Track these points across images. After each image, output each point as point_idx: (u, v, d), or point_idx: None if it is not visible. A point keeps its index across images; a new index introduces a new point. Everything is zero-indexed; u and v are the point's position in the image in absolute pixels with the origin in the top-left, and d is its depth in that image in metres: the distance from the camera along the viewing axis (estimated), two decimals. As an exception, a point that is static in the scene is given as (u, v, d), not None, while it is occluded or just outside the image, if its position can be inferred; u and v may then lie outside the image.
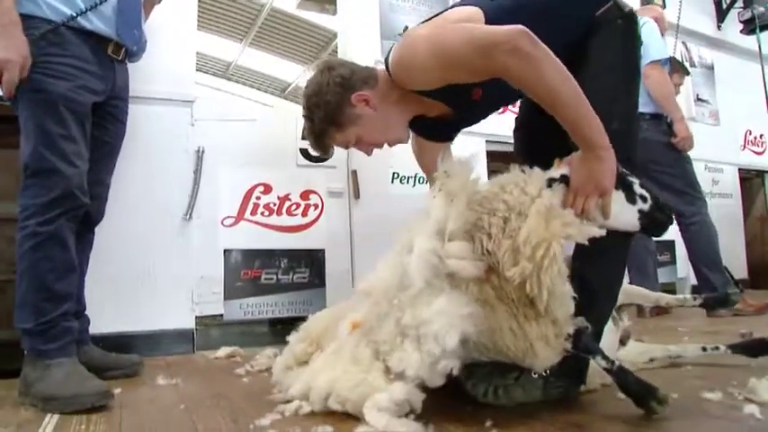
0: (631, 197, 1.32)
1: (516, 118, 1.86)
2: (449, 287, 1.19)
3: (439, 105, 1.58)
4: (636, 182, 1.34)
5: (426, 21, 1.55)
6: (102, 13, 1.78)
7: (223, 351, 2.38)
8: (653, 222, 1.34)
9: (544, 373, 1.28)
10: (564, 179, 1.28)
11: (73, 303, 1.76)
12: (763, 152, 5.20)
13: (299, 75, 9.63)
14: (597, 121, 1.25)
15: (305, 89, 1.55)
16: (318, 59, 9.00)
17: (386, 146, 1.64)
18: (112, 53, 1.86)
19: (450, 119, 1.65)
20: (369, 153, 1.65)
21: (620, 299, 1.68)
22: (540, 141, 1.48)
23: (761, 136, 5.14)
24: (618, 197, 1.30)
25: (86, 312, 2.01)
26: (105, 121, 1.92)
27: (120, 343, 2.25)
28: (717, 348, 1.77)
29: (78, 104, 1.72)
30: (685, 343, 1.96)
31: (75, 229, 1.74)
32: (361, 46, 3.09)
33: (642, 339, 2.01)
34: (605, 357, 1.26)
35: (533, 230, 1.17)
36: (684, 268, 4.11)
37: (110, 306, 2.33)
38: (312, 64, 9.17)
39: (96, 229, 2.03)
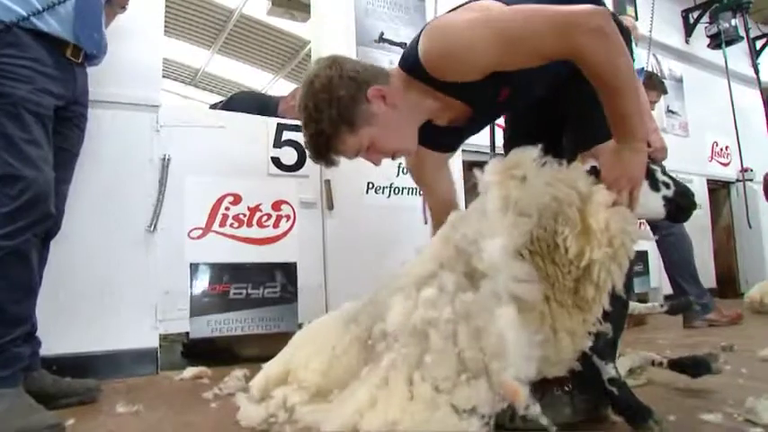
0: (655, 184, 1.32)
1: (506, 136, 1.85)
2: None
3: (456, 106, 1.46)
4: (657, 169, 1.34)
5: (449, 12, 1.46)
6: (58, 14, 1.71)
7: (189, 372, 2.24)
8: (678, 208, 1.34)
9: (567, 388, 1.26)
10: (594, 171, 1.27)
11: (27, 326, 1.63)
12: (729, 163, 5.30)
13: (268, 82, 9.52)
14: (643, 115, 1.26)
15: (308, 87, 1.36)
16: (288, 67, 8.91)
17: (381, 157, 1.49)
18: (71, 56, 1.78)
19: (460, 124, 1.54)
20: (378, 162, 1.47)
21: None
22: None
23: (726, 147, 5.24)
24: (643, 185, 1.29)
25: (37, 333, 1.83)
26: (63, 128, 1.83)
27: (75, 365, 2.10)
28: (661, 364, 1.75)
29: (40, 107, 1.64)
30: (668, 355, 1.93)
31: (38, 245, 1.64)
32: (336, 52, 2.99)
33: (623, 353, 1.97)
34: (615, 367, 1.26)
35: (612, 219, 1.15)
36: (657, 278, 4.13)
37: (65, 325, 2.16)
38: (282, 71, 9.10)
39: (51, 242, 1.88)
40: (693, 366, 1.67)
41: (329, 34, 3.06)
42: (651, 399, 1.30)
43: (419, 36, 1.39)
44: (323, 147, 1.39)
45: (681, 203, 1.34)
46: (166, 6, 2.70)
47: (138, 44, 2.45)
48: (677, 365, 1.71)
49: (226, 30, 8.07)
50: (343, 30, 3.09)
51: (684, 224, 3.33)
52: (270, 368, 1.56)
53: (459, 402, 1.12)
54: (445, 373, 1.15)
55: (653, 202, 1.31)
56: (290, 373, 1.48)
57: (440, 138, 1.61)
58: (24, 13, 1.62)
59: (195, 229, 2.54)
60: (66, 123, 1.84)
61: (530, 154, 1.23)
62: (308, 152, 1.46)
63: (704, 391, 1.64)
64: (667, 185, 1.33)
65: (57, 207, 1.80)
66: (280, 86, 9.20)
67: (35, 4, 1.65)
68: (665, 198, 1.32)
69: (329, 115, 1.34)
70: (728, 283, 5.29)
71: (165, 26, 2.74)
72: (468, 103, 1.46)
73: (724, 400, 1.42)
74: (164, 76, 2.53)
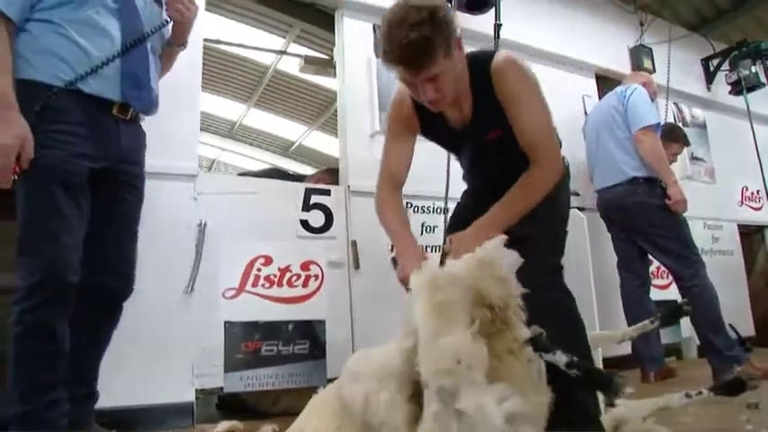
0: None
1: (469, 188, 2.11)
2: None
3: (466, 109, 1.74)
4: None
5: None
6: (103, 75, 1.72)
7: (222, 426, 2.34)
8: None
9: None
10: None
11: (61, 390, 1.65)
12: (761, 207, 5.23)
13: (302, 134, 9.88)
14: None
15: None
16: (321, 119, 9.24)
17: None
18: (118, 113, 1.78)
19: (451, 125, 1.79)
20: (433, 98, 1.60)
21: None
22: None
23: (757, 192, 5.18)
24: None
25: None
26: (119, 189, 1.83)
27: (122, 418, 2.23)
28: (700, 393, 1.79)
29: (71, 176, 1.64)
30: (690, 414, 1.95)
31: (70, 311, 1.66)
32: (360, 115, 3.23)
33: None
34: (565, 353, 1.27)
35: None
36: (688, 328, 4.06)
37: (109, 381, 2.32)
38: (315, 123, 9.44)
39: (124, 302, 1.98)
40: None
41: (353, 101, 3.27)
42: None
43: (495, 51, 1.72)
44: (423, 51, 1.50)
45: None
46: (204, 64, 2.90)
47: (175, 118, 2.60)
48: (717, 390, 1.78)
49: (261, 85, 8.45)
50: (368, 97, 3.29)
51: (713, 270, 3.33)
52: None
53: None
54: None
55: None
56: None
57: (435, 124, 1.82)
58: (70, 79, 1.64)
59: (229, 289, 2.70)
60: (122, 185, 1.83)
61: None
62: (393, 54, 1.53)
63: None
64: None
65: (127, 275, 1.90)
66: (314, 138, 9.52)
67: (77, 69, 1.66)
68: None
69: (440, 30, 1.50)
70: (769, 331, 5.13)
71: (204, 83, 2.92)
72: (474, 113, 1.73)
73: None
74: (201, 129, 2.72)
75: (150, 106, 1.92)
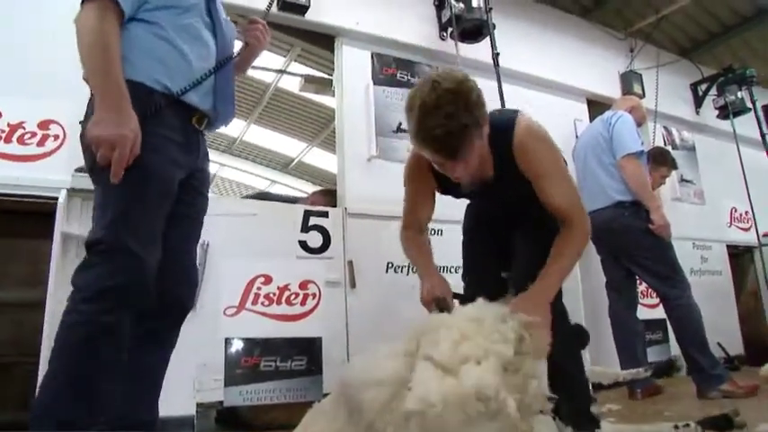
0: None
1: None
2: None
3: (487, 165, 1.76)
4: None
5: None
6: (202, 86, 1.67)
7: (222, 439, 2.46)
8: None
9: None
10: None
11: (111, 413, 1.45)
12: (750, 228, 5.33)
13: (302, 150, 10.01)
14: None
15: (456, 84, 1.49)
16: (320, 136, 9.38)
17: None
18: (196, 123, 1.72)
19: (472, 186, 1.80)
20: (463, 180, 1.66)
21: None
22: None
23: (746, 213, 5.30)
24: None
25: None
26: (188, 195, 1.71)
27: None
28: (687, 426, 1.87)
29: (166, 182, 1.56)
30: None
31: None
32: (359, 141, 3.35)
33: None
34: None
35: None
36: (676, 346, 4.15)
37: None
38: (315, 140, 9.57)
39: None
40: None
41: (351, 126, 3.40)
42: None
43: (514, 118, 1.73)
44: (460, 142, 1.49)
45: None
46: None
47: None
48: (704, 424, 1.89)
49: (262, 102, 8.58)
50: (365, 122, 3.42)
51: (702, 290, 3.41)
52: None
53: None
54: None
55: None
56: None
57: (455, 186, 1.83)
58: (164, 82, 1.58)
59: (230, 307, 2.81)
60: (192, 192, 1.74)
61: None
62: (427, 142, 1.52)
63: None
64: None
65: (195, 281, 1.81)
66: (313, 154, 9.64)
67: (175, 73, 1.60)
68: None
69: (474, 115, 1.50)
70: (759, 349, 5.19)
71: None
72: (496, 176, 1.78)
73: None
74: None
75: (230, 120, 1.88)
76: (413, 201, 1.98)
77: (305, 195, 3.85)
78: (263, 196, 4.02)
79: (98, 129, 1.42)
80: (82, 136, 1.54)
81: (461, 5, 3.64)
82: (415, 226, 2.00)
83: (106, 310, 1.38)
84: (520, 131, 1.70)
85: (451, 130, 1.45)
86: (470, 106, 1.48)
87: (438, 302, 1.79)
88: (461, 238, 2.18)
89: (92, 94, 1.53)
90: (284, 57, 5.75)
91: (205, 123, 1.76)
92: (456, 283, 2.03)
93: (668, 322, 4.03)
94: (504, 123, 1.71)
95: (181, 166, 1.63)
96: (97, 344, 1.37)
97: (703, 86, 5.23)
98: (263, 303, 2.88)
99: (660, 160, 3.84)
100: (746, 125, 5.09)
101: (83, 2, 1.51)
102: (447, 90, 1.47)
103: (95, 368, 1.37)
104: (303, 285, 2.97)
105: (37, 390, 1.41)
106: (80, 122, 1.56)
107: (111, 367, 1.40)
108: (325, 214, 3.14)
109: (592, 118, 4.24)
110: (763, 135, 4.72)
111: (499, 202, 2.01)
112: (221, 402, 2.72)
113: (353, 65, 3.52)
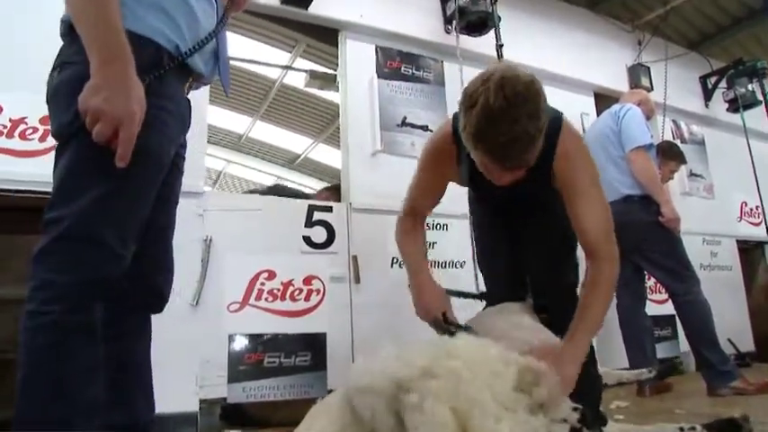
0: None
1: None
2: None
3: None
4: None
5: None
6: (203, 50, 1.38)
7: (226, 436, 2.44)
8: None
9: None
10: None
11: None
12: (760, 223, 5.27)
13: (307, 146, 10.00)
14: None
15: (526, 89, 1.36)
16: (326, 132, 9.37)
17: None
18: (187, 88, 1.43)
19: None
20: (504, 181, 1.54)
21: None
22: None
23: (756, 207, 5.23)
24: None
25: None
26: (171, 176, 1.45)
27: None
28: (693, 429, 1.83)
29: (162, 167, 1.31)
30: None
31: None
32: (363, 135, 3.32)
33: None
34: None
35: None
36: (686, 342, 4.11)
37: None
38: (321, 136, 9.56)
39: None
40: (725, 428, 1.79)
41: (355, 120, 3.37)
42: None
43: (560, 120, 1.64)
44: (525, 151, 1.40)
45: None
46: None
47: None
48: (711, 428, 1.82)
49: (268, 98, 8.57)
50: (369, 116, 3.39)
51: (712, 285, 3.37)
52: None
53: None
54: None
55: None
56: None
57: (482, 182, 1.69)
58: (183, 48, 1.30)
59: (233, 303, 2.79)
60: (175, 170, 1.47)
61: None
62: (490, 149, 1.41)
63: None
64: None
65: (169, 262, 1.56)
66: (319, 150, 9.63)
67: (184, 28, 1.32)
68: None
69: (540, 123, 1.38)
70: (770, 345, 5.15)
71: (211, 96, 3.00)
72: (528, 178, 1.59)
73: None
74: (208, 142, 2.83)
75: (228, 83, 1.58)
76: (422, 188, 1.86)
77: (312, 192, 3.82)
78: (276, 190, 3.98)
79: (98, 99, 1.10)
80: (53, 89, 1.23)
81: (466, -3, 3.60)
82: (417, 215, 1.90)
83: (79, 307, 1.16)
84: (566, 137, 1.61)
85: (516, 138, 1.35)
86: (538, 113, 1.37)
87: (437, 324, 1.67)
88: (472, 232, 2.14)
89: (69, 37, 1.23)
90: (290, 53, 5.73)
91: (190, 88, 1.46)
92: (461, 278, 2.00)
93: (677, 318, 4.08)
94: (550, 125, 1.51)
95: (175, 144, 1.38)
96: (71, 345, 1.15)
97: (713, 79, 5.16)
98: (266, 299, 2.86)
99: (669, 154, 3.79)
100: (757, 118, 5.02)
101: None
102: (516, 93, 1.34)
103: (74, 371, 1.15)
104: (307, 281, 2.95)
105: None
106: (51, 73, 1.25)
107: (90, 367, 1.18)
108: (330, 209, 3.12)
109: (599, 112, 4.19)
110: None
111: (519, 202, 1.92)
112: (225, 399, 2.71)
113: (357, 58, 3.49)
